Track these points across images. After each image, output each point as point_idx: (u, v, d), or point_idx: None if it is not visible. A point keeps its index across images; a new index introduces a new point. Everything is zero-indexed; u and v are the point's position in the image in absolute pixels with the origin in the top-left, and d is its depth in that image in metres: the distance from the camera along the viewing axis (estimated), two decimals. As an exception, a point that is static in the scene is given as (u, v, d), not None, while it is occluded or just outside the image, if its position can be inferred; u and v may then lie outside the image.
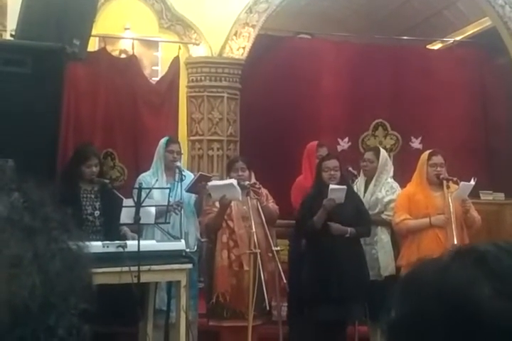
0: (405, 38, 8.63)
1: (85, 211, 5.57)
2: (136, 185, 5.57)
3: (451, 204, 5.44)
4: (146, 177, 5.92)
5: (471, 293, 0.77)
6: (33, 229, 0.75)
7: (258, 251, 5.38)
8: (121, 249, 4.85)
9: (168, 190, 5.64)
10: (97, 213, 5.58)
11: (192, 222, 5.97)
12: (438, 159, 5.70)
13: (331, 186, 5.55)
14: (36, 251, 0.73)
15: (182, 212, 5.75)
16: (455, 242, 5.26)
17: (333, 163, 5.73)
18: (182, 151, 6.27)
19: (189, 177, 5.95)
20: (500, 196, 7.74)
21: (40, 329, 0.70)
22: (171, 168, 5.95)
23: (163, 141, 6.06)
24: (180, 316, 5.11)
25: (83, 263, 0.78)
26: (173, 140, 6.19)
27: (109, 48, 7.03)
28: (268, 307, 5.49)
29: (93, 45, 6.71)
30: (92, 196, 5.65)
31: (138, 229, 5.17)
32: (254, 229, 5.39)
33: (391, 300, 0.85)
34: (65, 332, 0.72)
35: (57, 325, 0.72)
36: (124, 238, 5.36)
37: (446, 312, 0.77)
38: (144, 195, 5.17)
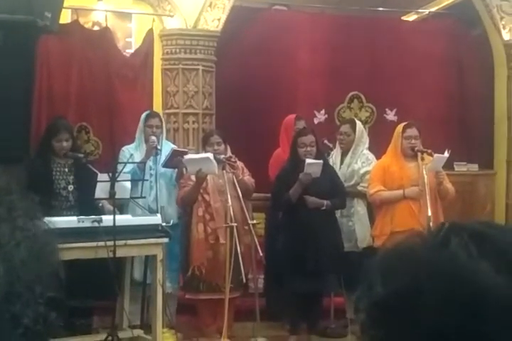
0: (381, 9, 8.60)
1: (58, 185, 5.53)
2: (119, 156, 5.62)
3: (425, 176, 5.48)
4: (129, 150, 5.92)
5: (473, 270, 0.76)
6: None
7: (234, 224, 5.40)
8: (96, 224, 4.85)
9: (143, 164, 5.65)
10: (70, 187, 5.55)
11: (173, 196, 5.97)
12: (412, 131, 5.74)
13: (308, 161, 5.56)
14: (0, 240, 0.71)
15: (159, 186, 5.75)
16: (429, 214, 5.32)
17: (309, 138, 5.72)
18: (163, 124, 6.24)
19: (169, 149, 5.95)
20: (474, 167, 7.80)
21: (4, 318, 0.69)
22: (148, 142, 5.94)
23: (143, 115, 6.07)
24: (156, 290, 5.13)
25: (50, 250, 0.77)
26: (153, 114, 6.17)
27: (81, 20, 6.91)
28: (245, 280, 5.53)
29: (65, 18, 6.60)
30: (66, 170, 5.60)
31: (113, 203, 5.15)
32: (230, 203, 5.41)
33: (371, 276, 0.82)
34: (30, 321, 0.71)
35: (23, 314, 0.70)
36: (101, 211, 5.35)
37: (445, 288, 0.76)
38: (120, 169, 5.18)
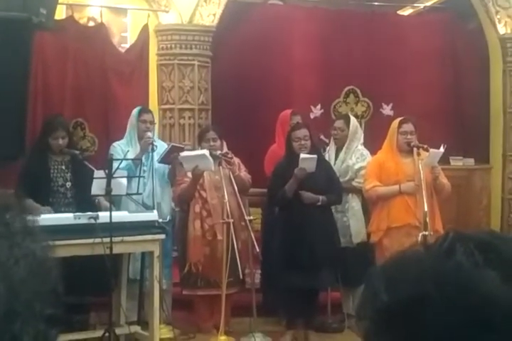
0: (376, 3, 8.58)
1: (56, 183, 5.53)
2: (110, 152, 5.61)
3: (421, 171, 5.49)
4: (120, 146, 5.89)
5: (479, 278, 0.76)
6: None
7: (231, 220, 5.40)
8: (93, 221, 4.85)
9: (139, 161, 5.65)
10: (68, 184, 5.56)
11: (167, 192, 5.97)
12: (408, 127, 5.74)
13: (302, 155, 5.57)
14: None
15: (155, 182, 5.74)
16: (425, 209, 5.33)
17: (302, 132, 5.73)
18: (155, 121, 6.24)
19: (161, 147, 5.92)
20: (470, 161, 7.80)
21: (4, 338, 0.69)
22: (143, 138, 5.92)
23: (135, 110, 6.03)
24: (153, 286, 5.14)
25: (48, 267, 0.76)
26: (146, 110, 6.15)
27: (76, 16, 6.89)
28: (242, 276, 5.54)
29: (60, 13, 6.58)
30: (63, 167, 5.61)
31: (110, 200, 5.16)
32: (226, 199, 5.41)
33: (374, 284, 0.82)
34: (31, 340, 0.70)
35: (23, 333, 0.70)
36: (98, 207, 5.35)
37: (450, 297, 0.76)
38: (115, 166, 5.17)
